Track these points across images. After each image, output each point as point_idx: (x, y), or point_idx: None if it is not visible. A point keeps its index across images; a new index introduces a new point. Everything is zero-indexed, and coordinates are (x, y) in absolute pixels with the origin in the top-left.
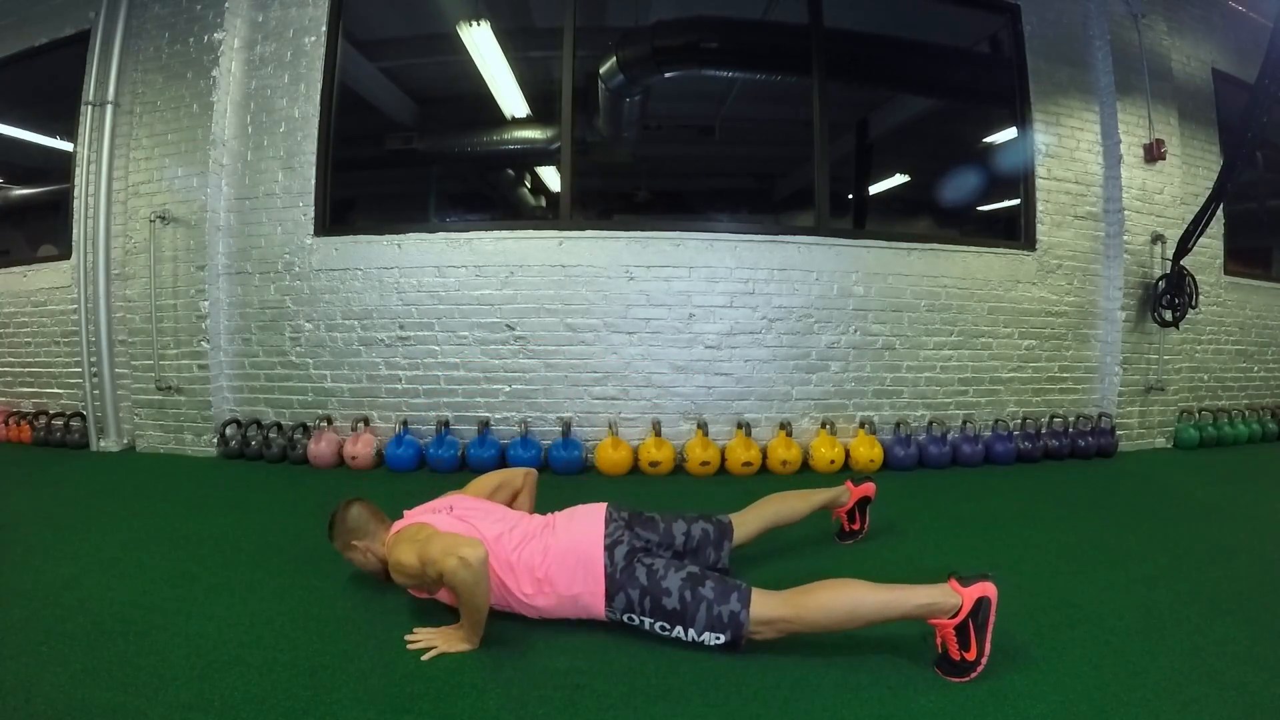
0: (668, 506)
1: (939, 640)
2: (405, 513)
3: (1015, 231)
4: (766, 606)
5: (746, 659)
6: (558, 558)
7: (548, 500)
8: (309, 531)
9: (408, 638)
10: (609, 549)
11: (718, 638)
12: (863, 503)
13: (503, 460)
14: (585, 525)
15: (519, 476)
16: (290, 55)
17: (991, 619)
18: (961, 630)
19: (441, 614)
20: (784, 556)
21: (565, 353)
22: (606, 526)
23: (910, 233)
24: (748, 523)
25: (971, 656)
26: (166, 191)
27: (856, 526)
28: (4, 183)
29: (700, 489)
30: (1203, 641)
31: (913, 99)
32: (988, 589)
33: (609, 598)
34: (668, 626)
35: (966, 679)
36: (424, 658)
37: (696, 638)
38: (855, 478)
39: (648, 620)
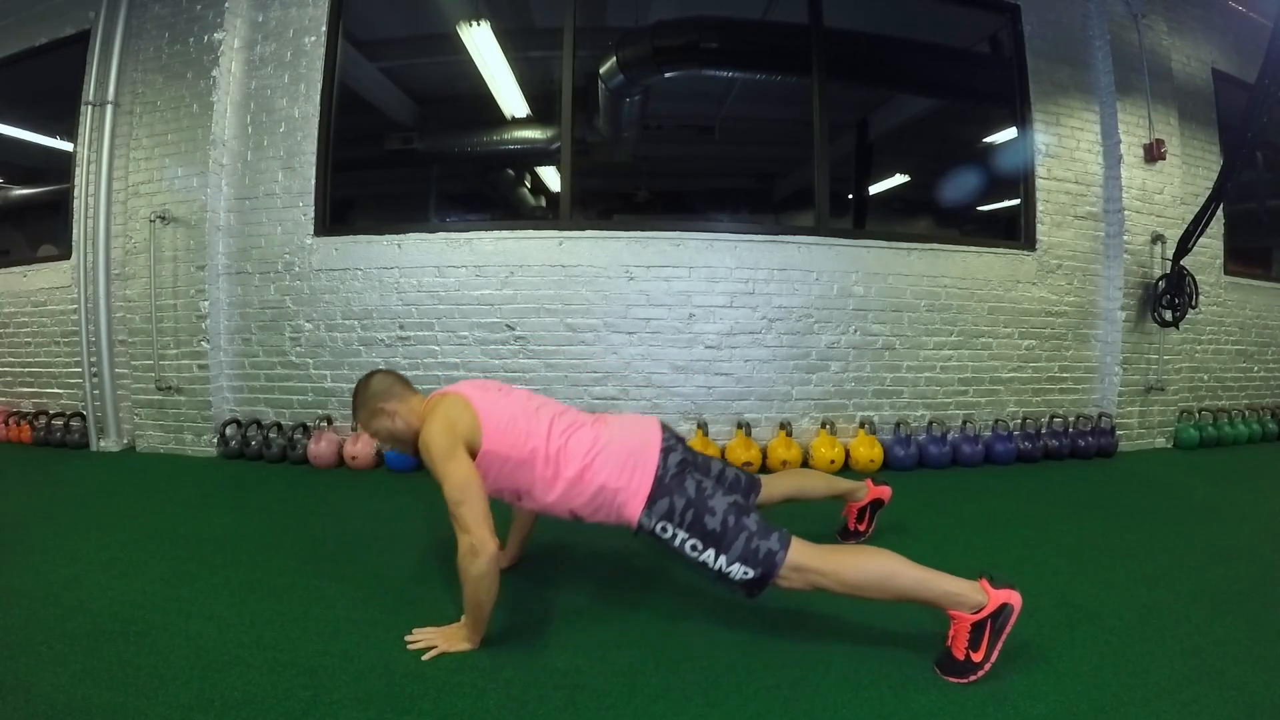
0: None
1: (951, 633)
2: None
3: (1015, 231)
4: (803, 554)
5: (747, 658)
6: (607, 447)
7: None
8: (309, 531)
9: (408, 638)
10: (664, 452)
11: (746, 572)
12: (875, 505)
13: None
14: (642, 424)
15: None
16: (290, 55)
17: (1009, 627)
18: (977, 629)
19: (443, 614)
20: None
21: (565, 353)
22: (663, 432)
23: (910, 233)
24: (774, 486)
25: (978, 658)
26: (166, 191)
27: (863, 528)
28: (4, 183)
29: None
30: (1203, 641)
31: (913, 99)
32: (1014, 597)
33: (651, 500)
34: (700, 547)
35: (965, 680)
36: (425, 658)
37: (725, 567)
38: (872, 479)
39: (681, 535)
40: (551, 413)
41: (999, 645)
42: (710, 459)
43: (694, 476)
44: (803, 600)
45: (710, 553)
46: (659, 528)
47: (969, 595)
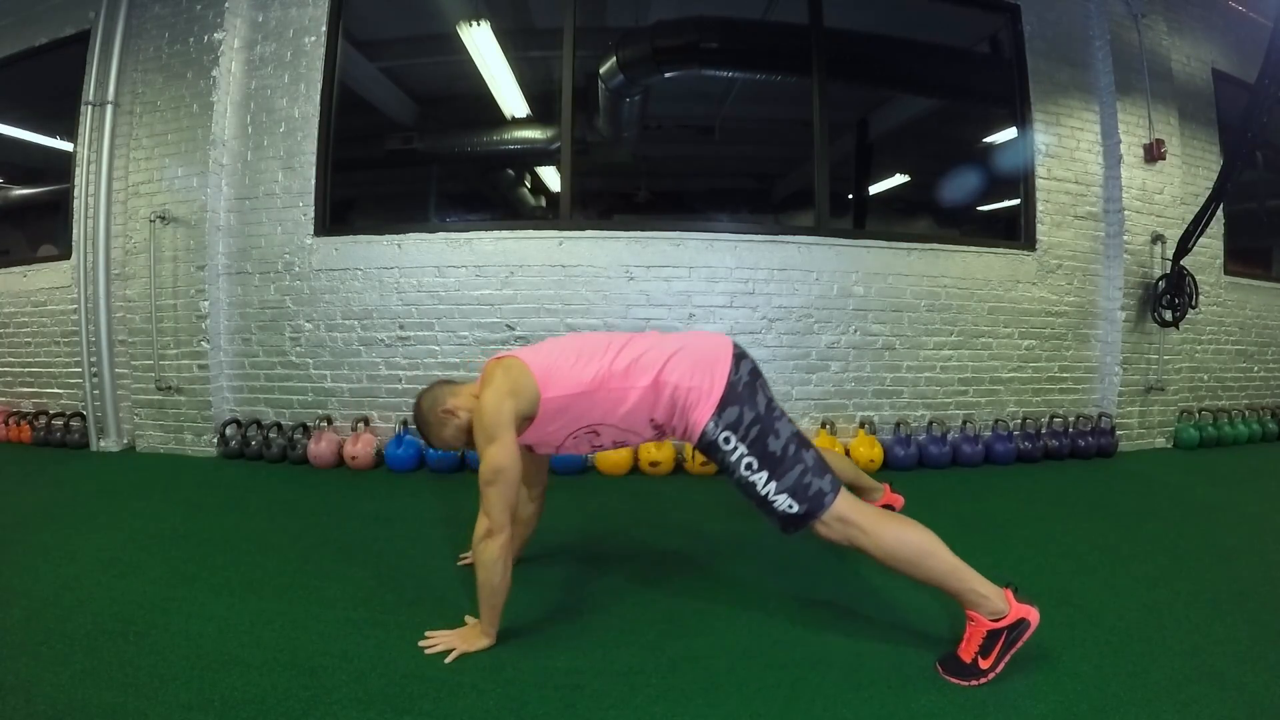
0: (669, 506)
1: (966, 635)
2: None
3: (1015, 231)
4: (850, 507)
5: (747, 658)
6: (680, 352)
7: (549, 501)
8: (309, 531)
9: (422, 643)
10: (736, 358)
11: (791, 505)
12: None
13: None
14: (713, 336)
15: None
16: (290, 55)
17: (1021, 642)
18: (993, 636)
19: (444, 615)
20: (787, 542)
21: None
22: (734, 343)
23: (910, 233)
24: None
25: (985, 665)
26: (166, 191)
27: None
28: (4, 183)
29: (700, 489)
30: (1203, 641)
31: (913, 99)
32: (1033, 614)
33: (722, 406)
34: (755, 467)
35: (966, 683)
36: (447, 660)
37: (773, 495)
38: (877, 480)
39: (741, 450)
40: (617, 340)
41: (1007, 658)
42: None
43: (765, 392)
44: (803, 600)
45: (763, 475)
46: (723, 438)
47: (993, 600)
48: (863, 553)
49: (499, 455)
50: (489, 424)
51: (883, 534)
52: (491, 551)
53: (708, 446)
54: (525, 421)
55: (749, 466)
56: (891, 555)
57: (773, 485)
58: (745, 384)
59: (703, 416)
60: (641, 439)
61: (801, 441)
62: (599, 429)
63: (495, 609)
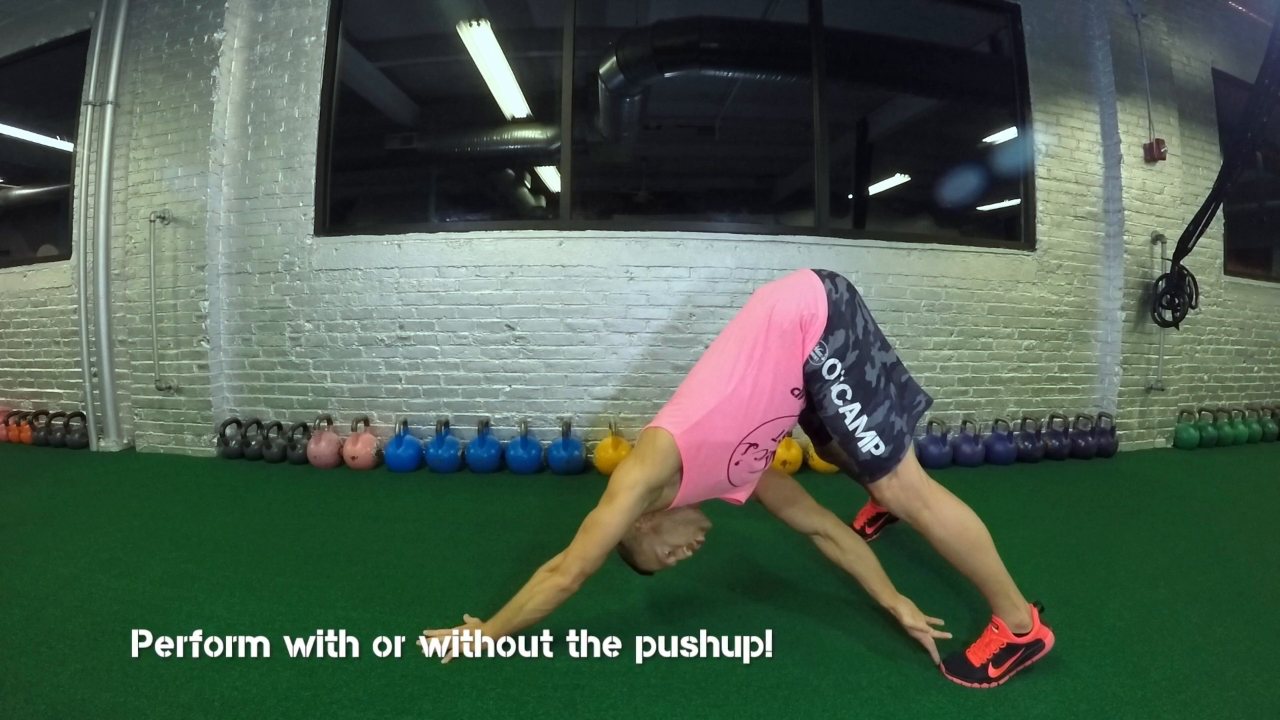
0: None
1: (982, 640)
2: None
3: (1015, 231)
4: (920, 477)
5: (746, 659)
6: (776, 305)
7: (549, 501)
8: (309, 531)
9: (420, 642)
10: (828, 276)
11: (878, 446)
12: (891, 519)
13: (503, 460)
14: (793, 275)
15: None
16: (290, 55)
17: (1031, 662)
18: (1010, 650)
19: (444, 614)
20: (789, 538)
21: (565, 353)
22: (817, 270)
23: (910, 233)
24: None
25: (994, 674)
26: (166, 191)
27: (870, 530)
28: (4, 183)
29: None
30: (1203, 641)
31: (913, 99)
32: (1050, 638)
33: (829, 329)
34: (849, 396)
35: (968, 685)
36: (444, 660)
37: (862, 432)
38: None
39: (843, 377)
40: (719, 345)
41: (1015, 673)
42: None
43: (863, 311)
44: (803, 600)
45: (855, 407)
46: (828, 366)
47: (1022, 613)
48: (921, 527)
49: (607, 512)
50: (613, 485)
51: (947, 514)
52: (546, 586)
53: (811, 376)
54: (674, 484)
55: (842, 396)
56: (949, 537)
57: (863, 419)
58: (846, 301)
59: (811, 343)
60: (794, 419)
61: (891, 371)
62: (752, 439)
63: (510, 625)
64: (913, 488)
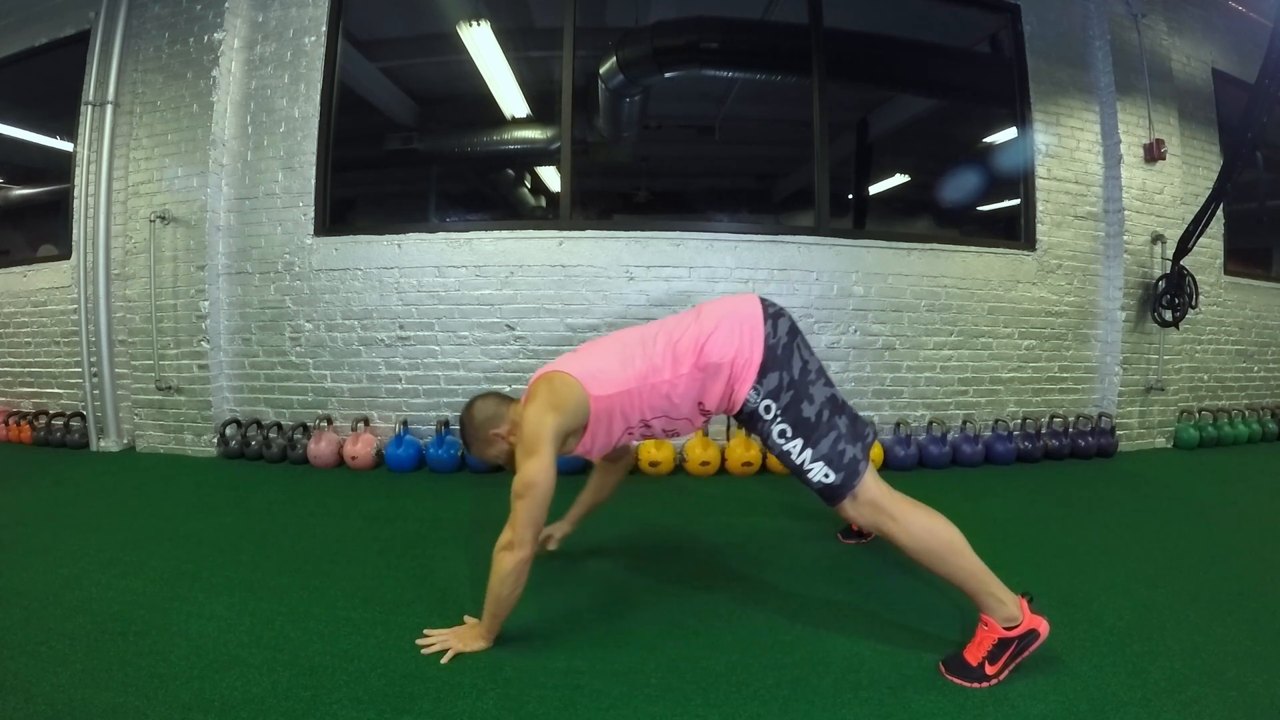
0: (669, 507)
1: (976, 638)
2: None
3: (1015, 231)
4: (883, 492)
5: (746, 659)
6: (715, 329)
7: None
8: (309, 531)
9: (420, 641)
10: (770, 317)
11: (827, 474)
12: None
13: None
14: (741, 298)
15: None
16: (290, 55)
17: (1028, 653)
18: (1003, 644)
19: (444, 615)
20: (786, 542)
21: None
22: (764, 301)
23: (910, 233)
24: None
25: (991, 671)
26: (166, 191)
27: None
28: (4, 183)
29: (700, 489)
30: (1203, 641)
31: (913, 99)
32: (1044, 626)
33: (763, 372)
34: (789, 434)
35: (968, 685)
36: (443, 660)
37: (809, 463)
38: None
39: (779, 417)
40: (651, 330)
41: (1013, 667)
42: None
43: (801, 354)
44: (802, 600)
45: (798, 443)
46: (763, 407)
47: (1009, 607)
48: (890, 539)
49: (534, 470)
50: (529, 439)
51: (913, 524)
52: (507, 564)
53: (748, 417)
54: (577, 434)
55: (783, 434)
56: (918, 547)
57: (807, 454)
58: (784, 345)
59: (745, 387)
60: (693, 426)
61: (834, 405)
62: (650, 421)
63: (498, 618)
64: (874, 504)
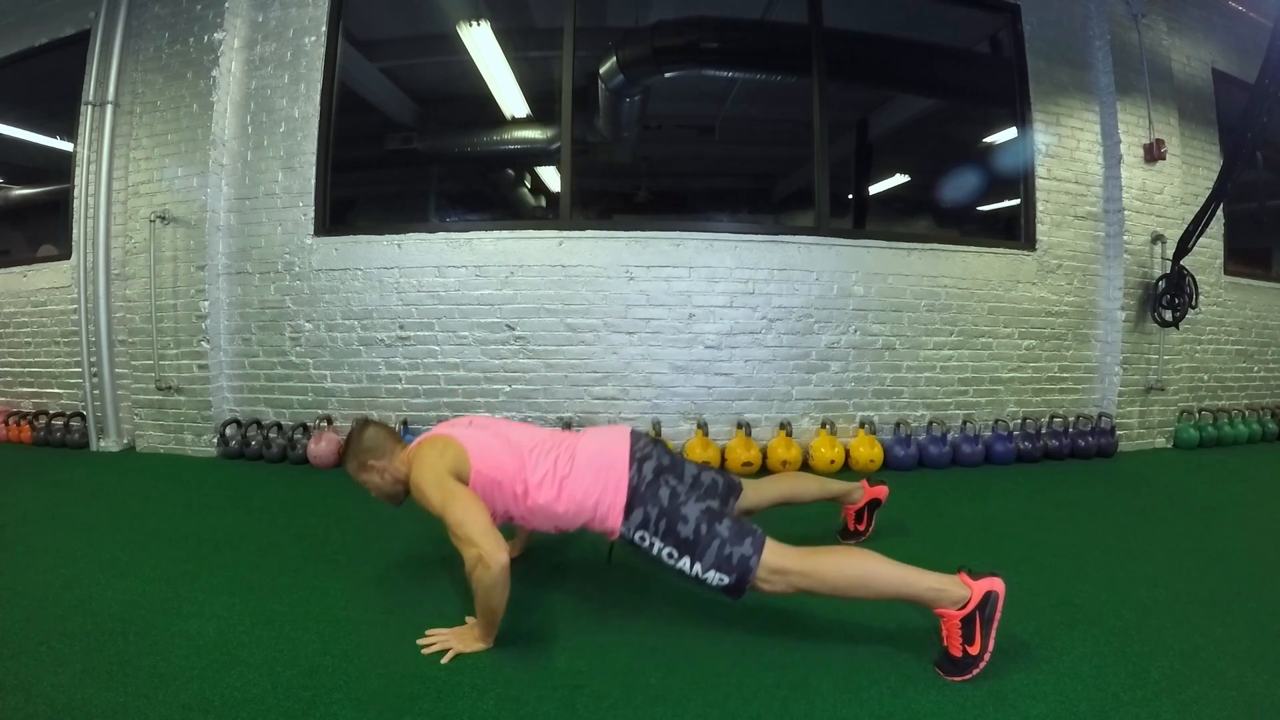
0: None
1: (944, 633)
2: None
3: (1015, 231)
4: (780, 556)
5: (746, 660)
6: (584, 463)
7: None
8: (309, 531)
9: (421, 641)
10: (637, 461)
11: (722, 578)
12: (873, 504)
13: None
14: (613, 436)
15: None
16: (290, 55)
17: (998, 614)
18: (968, 623)
19: (444, 615)
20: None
21: (565, 353)
22: (635, 442)
23: (910, 233)
24: (762, 491)
25: (975, 650)
26: (166, 191)
27: (862, 527)
28: (4, 183)
29: None
30: (1202, 641)
31: (913, 99)
32: (996, 584)
33: (628, 510)
34: (675, 555)
35: (967, 676)
36: (443, 660)
37: (701, 573)
38: (871, 479)
39: (658, 544)
40: (529, 439)
41: (993, 634)
42: (687, 462)
43: (668, 484)
44: (801, 601)
45: (686, 560)
46: (637, 537)
47: (951, 590)
48: (811, 594)
49: (454, 495)
50: (432, 482)
51: (822, 571)
52: (486, 579)
53: (628, 545)
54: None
55: (669, 555)
56: (837, 587)
57: (698, 566)
58: (648, 484)
59: (615, 523)
60: (564, 531)
61: (711, 516)
62: (513, 516)
63: (493, 624)
64: (780, 573)
